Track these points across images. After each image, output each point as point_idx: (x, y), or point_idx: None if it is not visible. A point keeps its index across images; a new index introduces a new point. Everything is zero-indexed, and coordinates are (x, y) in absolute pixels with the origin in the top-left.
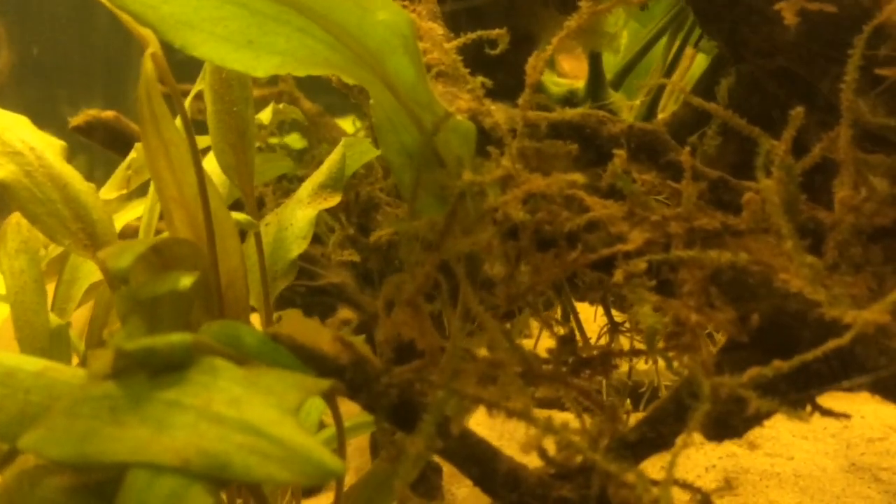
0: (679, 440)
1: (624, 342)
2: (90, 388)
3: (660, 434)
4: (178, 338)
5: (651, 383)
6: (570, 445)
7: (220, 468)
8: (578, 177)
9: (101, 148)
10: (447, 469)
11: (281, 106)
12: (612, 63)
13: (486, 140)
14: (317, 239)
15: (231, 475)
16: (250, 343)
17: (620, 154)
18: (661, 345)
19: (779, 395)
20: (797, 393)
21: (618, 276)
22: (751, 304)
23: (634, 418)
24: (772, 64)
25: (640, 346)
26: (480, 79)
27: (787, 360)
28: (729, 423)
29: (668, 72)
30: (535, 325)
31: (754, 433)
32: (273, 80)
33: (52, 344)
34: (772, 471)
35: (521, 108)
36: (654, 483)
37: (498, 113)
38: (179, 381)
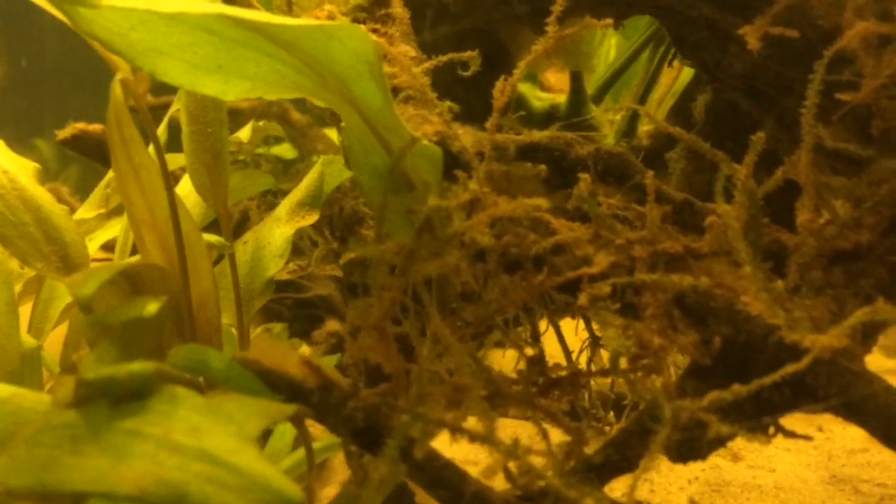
0: (642, 463)
1: (605, 356)
2: (52, 416)
3: (624, 456)
4: (138, 367)
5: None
6: (530, 471)
7: (178, 498)
8: (542, 201)
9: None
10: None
11: (261, 123)
12: (595, 76)
13: (455, 164)
14: (300, 253)
15: None
16: (217, 368)
17: (585, 178)
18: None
19: (742, 418)
20: (757, 416)
21: (583, 299)
22: (713, 328)
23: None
24: (742, 83)
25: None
26: (448, 103)
27: (745, 383)
28: (693, 446)
29: (650, 83)
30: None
31: (737, 445)
32: None
33: (24, 367)
34: (753, 483)
35: (489, 131)
36: None
37: (466, 136)
38: (140, 410)
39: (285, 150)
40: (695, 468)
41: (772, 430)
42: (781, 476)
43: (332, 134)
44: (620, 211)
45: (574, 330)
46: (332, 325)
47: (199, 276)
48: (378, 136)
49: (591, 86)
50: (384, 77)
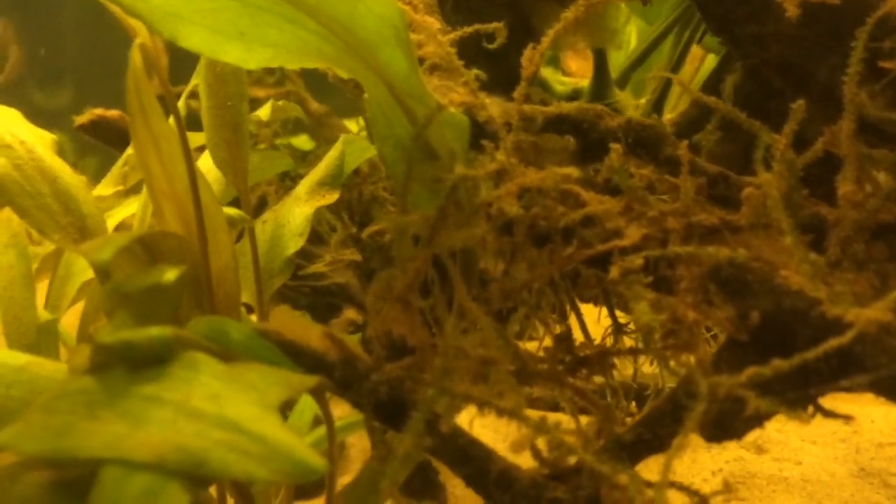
0: (675, 442)
1: (629, 344)
2: (68, 383)
3: (656, 435)
4: (157, 331)
5: (656, 385)
6: (561, 445)
7: (197, 465)
8: (573, 171)
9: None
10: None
11: (280, 103)
12: (617, 62)
13: (481, 134)
14: (319, 239)
15: (208, 472)
16: (237, 338)
17: (617, 148)
18: (658, 343)
19: (778, 395)
20: (796, 392)
21: (614, 272)
22: (750, 302)
23: None
24: (772, 56)
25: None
26: (475, 71)
27: (786, 359)
28: (727, 425)
29: (675, 70)
30: (541, 327)
31: (762, 437)
32: (280, 81)
33: (41, 339)
34: (779, 475)
35: (517, 100)
36: (649, 485)
37: (493, 106)
38: (159, 375)
39: (303, 142)
40: (719, 460)
41: (811, 409)
42: (808, 469)
43: (350, 125)
44: (654, 182)
45: (597, 318)
46: (350, 313)
47: (218, 249)
48: (403, 105)
49: (614, 70)
50: (410, 43)
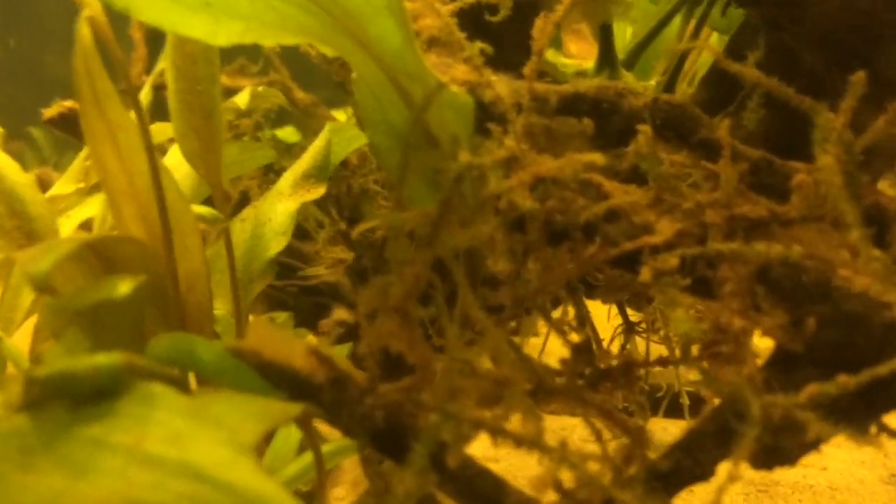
0: (727, 472)
1: (639, 343)
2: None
3: (697, 462)
4: (104, 359)
5: (670, 387)
6: (591, 482)
7: None
8: (598, 157)
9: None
10: None
11: (260, 89)
12: (621, 45)
13: (486, 116)
14: (307, 236)
15: None
16: (207, 360)
17: (646, 130)
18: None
19: (840, 415)
20: (860, 412)
21: (644, 273)
22: (805, 307)
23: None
24: (813, 33)
25: (656, 347)
26: (479, 45)
27: (848, 372)
28: (780, 449)
29: (684, 53)
30: (542, 325)
31: None
32: (264, 70)
33: None
34: (804, 482)
35: (528, 78)
36: None
37: (500, 85)
38: (106, 413)
39: (289, 134)
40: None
41: (874, 429)
42: (835, 475)
43: (339, 115)
44: (688, 169)
45: (606, 316)
46: (340, 313)
47: (187, 254)
48: (396, 85)
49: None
50: (405, 13)
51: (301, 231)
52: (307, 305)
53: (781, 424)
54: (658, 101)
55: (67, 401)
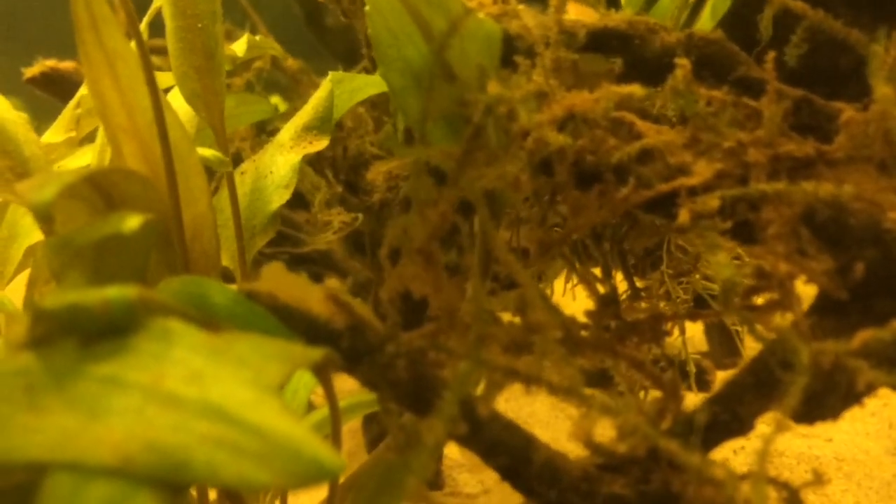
0: (764, 423)
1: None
2: (2, 362)
3: (735, 416)
4: (116, 292)
5: (675, 356)
6: (636, 431)
7: (176, 468)
8: (637, 88)
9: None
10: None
11: (258, 38)
12: (627, 8)
13: (511, 50)
14: (301, 202)
15: (191, 476)
16: (220, 303)
17: (684, 63)
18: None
19: (890, 364)
20: None
21: (682, 216)
22: (852, 251)
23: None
24: None
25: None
26: None
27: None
28: (824, 401)
29: (696, 8)
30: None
31: None
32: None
33: None
34: (810, 453)
35: (555, 9)
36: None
37: (526, 15)
38: (120, 350)
39: (276, 103)
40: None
41: None
42: (840, 446)
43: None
44: (729, 108)
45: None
46: (332, 282)
47: (192, 197)
48: (415, 15)
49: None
50: None
51: (293, 197)
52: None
53: (827, 374)
54: (693, 37)
55: (77, 337)
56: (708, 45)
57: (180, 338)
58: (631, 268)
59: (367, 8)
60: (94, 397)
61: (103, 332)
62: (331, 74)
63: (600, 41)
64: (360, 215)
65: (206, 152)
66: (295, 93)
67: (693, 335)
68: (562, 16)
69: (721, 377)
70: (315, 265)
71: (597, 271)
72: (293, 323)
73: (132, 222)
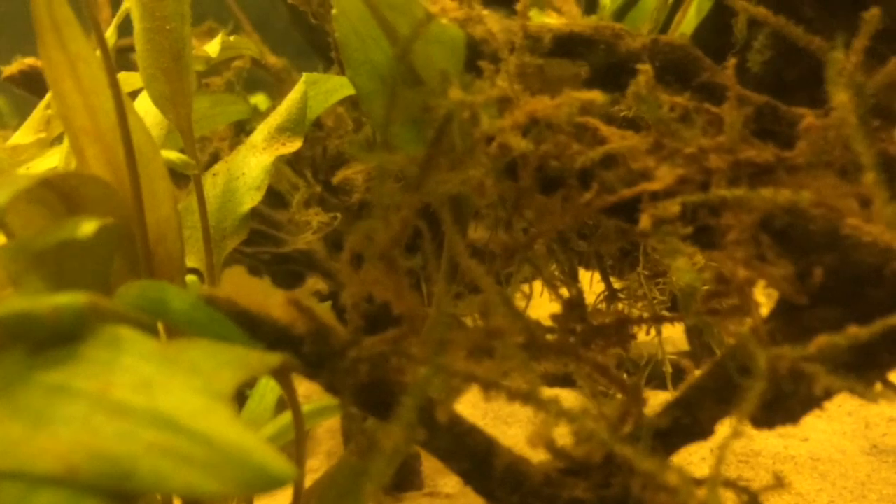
0: (721, 428)
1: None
2: None
3: (696, 420)
4: (67, 299)
5: (651, 357)
6: (592, 437)
7: (121, 477)
8: (597, 94)
9: None
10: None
11: (232, 38)
12: (607, 7)
13: (476, 55)
14: (281, 202)
15: (137, 485)
16: (179, 308)
17: (646, 69)
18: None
19: (846, 369)
20: (866, 366)
21: (644, 221)
22: (811, 257)
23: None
24: None
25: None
26: None
27: (857, 324)
28: (784, 406)
29: (674, 9)
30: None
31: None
32: (234, 34)
33: None
34: (786, 453)
35: (520, 14)
36: (698, 483)
37: (491, 20)
38: (69, 358)
39: (260, 101)
40: (717, 436)
41: (879, 386)
42: (816, 446)
43: None
44: (690, 114)
45: (589, 283)
46: (314, 282)
47: (156, 200)
48: (380, 19)
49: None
50: None
51: (273, 197)
52: (280, 273)
53: (787, 379)
54: (658, 43)
55: (26, 345)
56: (673, 51)
57: (131, 345)
58: (608, 269)
59: (333, 11)
60: (41, 405)
61: (53, 340)
62: (305, 76)
63: (566, 46)
64: (339, 215)
65: (172, 155)
66: (279, 91)
67: (674, 335)
68: (527, 21)
69: None
70: (296, 264)
71: (583, 272)
72: (253, 329)
73: (88, 227)
